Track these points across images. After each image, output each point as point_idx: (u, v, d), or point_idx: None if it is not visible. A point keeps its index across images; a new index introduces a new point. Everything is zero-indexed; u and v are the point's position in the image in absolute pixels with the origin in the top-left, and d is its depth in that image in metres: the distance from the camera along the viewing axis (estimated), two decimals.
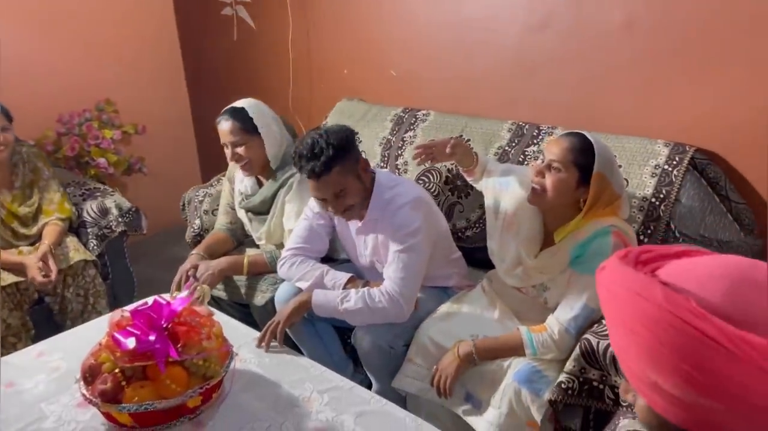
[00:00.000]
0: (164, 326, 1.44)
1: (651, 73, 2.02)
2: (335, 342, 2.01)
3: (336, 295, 1.82)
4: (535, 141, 2.21)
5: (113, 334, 1.42)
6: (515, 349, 1.65)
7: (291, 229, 2.04)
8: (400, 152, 2.49)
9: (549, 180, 1.64)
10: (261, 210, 2.17)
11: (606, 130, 2.05)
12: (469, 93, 2.52)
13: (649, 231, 1.89)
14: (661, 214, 1.87)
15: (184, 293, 1.73)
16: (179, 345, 1.41)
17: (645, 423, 0.75)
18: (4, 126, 2.33)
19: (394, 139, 2.53)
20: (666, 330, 0.64)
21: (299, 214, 2.03)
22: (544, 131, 2.22)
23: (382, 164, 2.52)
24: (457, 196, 2.29)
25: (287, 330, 1.89)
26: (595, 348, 1.51)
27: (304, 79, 3.11)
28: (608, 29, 2.06)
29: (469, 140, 2.31)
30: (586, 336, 1.55)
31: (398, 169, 2.46)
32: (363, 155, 1.89)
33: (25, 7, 3.03)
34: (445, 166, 2.29)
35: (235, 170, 2.26)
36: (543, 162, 1.67)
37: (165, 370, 1.37)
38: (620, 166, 1.85)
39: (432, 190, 2.30)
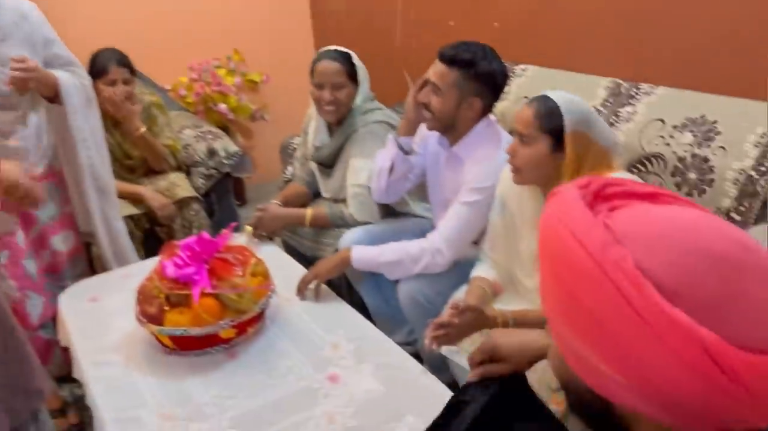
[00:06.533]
0: (205, 259, 1.55)
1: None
2: (393, 291, 2.01)
3: (376, 250, 1.82)
4: (631, 102, 2.00)
5: (162, 261, 1.56)
6: None
7: (354, 184, 2.05)
8: None
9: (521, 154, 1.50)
10: (328, 163, 2.19)
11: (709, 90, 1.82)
12: (568, 47, 2.35)
13: (742, 209, 1.65)
14: (760, 190, 1.62)
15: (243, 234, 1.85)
16: (214, 279, 1.51)
17: (554, 370, 0.68)
18: (126, 79, 2.42)
19: None
20: (590, 284, 0.54)
21: (363, 170, 2.02)
22: (643, 92, 2.00)
23: None
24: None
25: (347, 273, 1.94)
26: None
27: (410, 31, 3.07)
28: None
29: None
30: None
31: None
32: (493, 103, 1.81)
33: None
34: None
35: (309, 122, 2.30)
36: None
37: (199, 300, 1.48)
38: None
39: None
